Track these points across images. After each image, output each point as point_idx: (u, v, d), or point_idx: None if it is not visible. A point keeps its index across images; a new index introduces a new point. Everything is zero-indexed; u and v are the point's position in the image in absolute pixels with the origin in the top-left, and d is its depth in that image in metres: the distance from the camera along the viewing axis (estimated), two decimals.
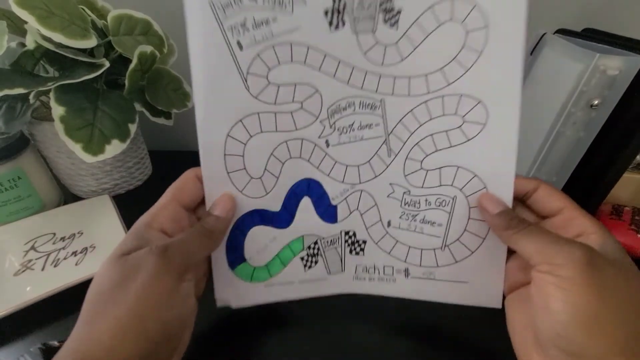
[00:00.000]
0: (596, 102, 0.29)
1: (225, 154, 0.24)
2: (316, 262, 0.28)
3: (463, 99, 0.24)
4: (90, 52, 0.35)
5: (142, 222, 0.23)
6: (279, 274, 0.28)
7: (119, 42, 0.36)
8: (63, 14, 0.32)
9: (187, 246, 0.22)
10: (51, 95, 0.32)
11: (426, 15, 0.22)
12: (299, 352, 0.28)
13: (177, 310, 0.21)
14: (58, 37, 0.31)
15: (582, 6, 0.43)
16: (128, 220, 0.38)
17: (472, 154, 0.24)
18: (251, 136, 0.24)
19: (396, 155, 0.26)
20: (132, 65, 0.34)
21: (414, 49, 0.23)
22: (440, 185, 0.26)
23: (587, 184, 0.34)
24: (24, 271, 0.32)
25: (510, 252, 0.25)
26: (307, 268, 0.28)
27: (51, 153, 0.41)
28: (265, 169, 0.25)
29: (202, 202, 0.25)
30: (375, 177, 0.26)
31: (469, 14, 0.22)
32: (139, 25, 0.37)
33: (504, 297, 0.25)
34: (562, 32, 0.38)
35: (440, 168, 0.25)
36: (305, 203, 0.27)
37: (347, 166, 0.26)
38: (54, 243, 0.35)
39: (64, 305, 0.31)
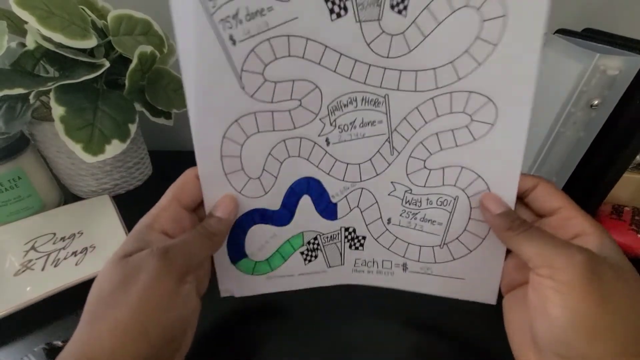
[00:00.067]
0: (596, 102, 0.29)
1: (222, 156, 0.23)
2: (316, 257, 0.28)
3: (473, 96, 0.22)
4: (90, 52, 0.35)
5: (143, 224, 0.23)
6: (280, 267, 0.28)
7: (119, 42, 0.36)
8: (63, 14, 0.32)
9: (189, 248, 0.22)
10: (51, 95, 0.32)
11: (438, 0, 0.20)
12: (299, 351, 0.28)
13: (178, 312, 0.21)
14: (58, 37, 0.31)
15: (582, 6, 0.43)
16: (128, 220, 0.38)
17: (477, 154, 0.23)
18: (248, 137, 0.23)
19: (399, 154, 0.25)
20: (132, 65, 0.34)
21: (424, 39, 0.21)
22: (443, 185, 0.25)
23: (587, 184, 0.34)
24: (24, 271, 0.32)
25: (509, 251, 0.25)
26: (307, 262, 0.28)
27: (51, 153, 0.41)
28: (263, 168, 0.24)
29: (203, 202, 0.25)
30: (377, 175, 0.26)
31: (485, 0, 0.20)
32: (139, 25, 0.37)
33: (501, 296, 0.25)
34: (562, 32, 0.38)
35: (443, 168, 0.24)
36: (305, 201, 0.26)
37: (347, 164, 0.25)
38: (54, 243, 0.35)
39: (64, 305, 0.31)
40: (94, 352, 0.18)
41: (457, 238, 0.26)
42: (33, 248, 0.35)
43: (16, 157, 0.37)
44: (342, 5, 0.20)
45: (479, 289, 0.27)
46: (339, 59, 0.22)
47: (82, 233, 0.37)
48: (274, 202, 0.26)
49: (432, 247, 0.27)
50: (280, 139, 0.24)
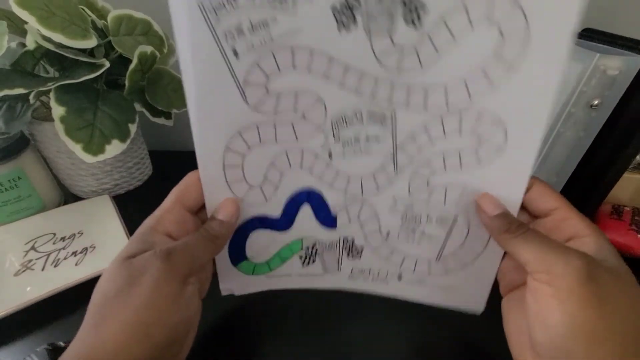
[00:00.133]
0: (596, 102, 0.29)
1: (224, 165, 0.23)
2: (314, 261, 0.29)
3: (483, 118, 0.21)
4: (90, 52, 0.35)
5: (147, 226, 0.23)
6: (279, 268, 0.29)
7: (119, 43, 0.36)
8: (63, 14, 0.32)
9: (192, 250, 0.22)
10: (51, 95, 0.32)
11: (457, 12, 0.18)
12: (299, 351, 0.28)
13: (181, 314, 0.21)
14: (58, 38, 0.31)
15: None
16: (128, 220, 0.38)
17: (482, 178, 0.23)
18: (250, 147, 0.23)
19: (402, 171, 0.24)
20: (132, 66, 0.34)
21: (437, 55, 0.20)
22: (444, 204, 0.25)
23: (587, 184, 0.34)
24: (24, 271, 0.32)
25: (506, 252, 0.25)
26: (304, 265, 0.29)
27: (51, 153, 0.41)
28: (264, 178, 0.24)
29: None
30: (378, 190, 0.25)
31: (509, 16, 0.18)
32: (139, 26, 0.37)
33: (500, 299, 0.25)
34: None
35: (446, 187, 0.24)
36: (305, 210, 0.26)
37: (349, 178, 0.25)
38: (54, 243, 0.35)
39: (64, 305, 0.31)
40: (97, 353, 0.18)
41: (452, 253, 0.26)
42: (33, 248, 0.35)
43: (16, 157, 0.37)
44: (351, 16, 0.19)
45: (468, 299, 0.28)
46: (346, 72, 0.21)
47: (82, 233, 0.37)
48: (274, 209, 0.26)
49: (428, 260, 0.27)
50: (282, 150, 0.23)
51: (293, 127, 0.23)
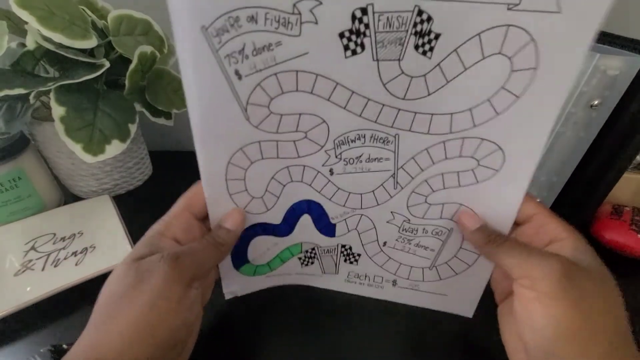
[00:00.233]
0: (596, 102, 0.29)
1: (226, 179, 0.23)
2: (312, 263, 0.30)
3: (484, 143, 0.21)
4: (90, 52, 0.35)
5: (156, 230, 0.24)
6: (279, 268, 0.30)
7: (119, 43, 0.36)
8: (63, 14, 0.32)
9: (198, 255, 0.23)
10: (51, 95, 0.32)
11: (471, 43, 0.18)
12: (298, 352, 0.28)
13: (184, 317, 0.21)
14: (58, 38, 0.31)
15: None
16: (128, 220, 0.38)
17: (477, 195, 0.24)
18: (252, 162, 0.23)
19: (402, 189, 0.25)
20: (132, 66, 0.34)
21: (446, 84, 0.19)
22: (440, 218, 0.25)
23: (587, 184, 0.34)
24: (24, 271, 0.32)
25: None
26: (303, 265, 0.30)
27: (51, 153, 0.41)
28: (266, 190, 0.25)
29: None
30: (378, 205, 0.26)
31: (522, 48, 0.18)
32: (139, 26, 0.37)
33: (495, 307, 0.26)
34: None
35: (443, 204, 0.25)
36: (305, 218, 0.27)
37: (349, 193, 0.25)
38: (54, 243, 0.35)
39: (64, 305, 0.31)
40: (102, 351, 0.18)
41: (446, 262, 0.27)
42: (33, 248, 0.35)
43: (16, 157, 0.37)
44: (359, 42, 0.18)
45: (459, 304, 0.29)
46: (350, 97, 0.20)
47: (82, 233, 0.37)
48: (275, 217, 0.27)
49: (422, 268, 0.28)
50: (283, 165, 0.24)
51: (295, 145, 0.23)
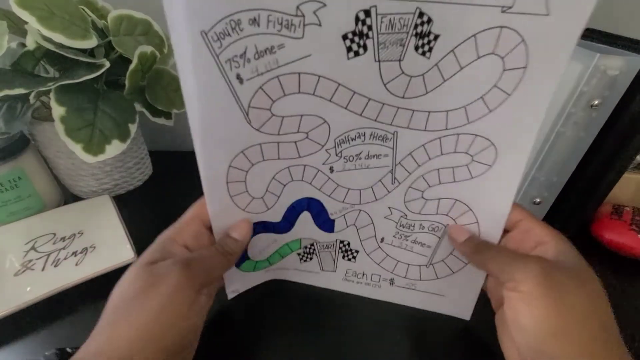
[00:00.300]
0: (596, 102, 0.29)
1: (227, 182, 0.23)
2: (311, 259, 0.30)
3: (478, 139, 0.22)
4: (90, 52, 0.35)
5: (167, 236, 0.24)
6: (278, 263, 0.30)
7: (119, 43, 0.36)
8: (63, 14, 0.32)
9: (207, 263, 0.23)
10: (51, 95, 0.32)
11: (467, 44, 0.19)
12: (297, 353, 0.28)
13: (193, 322, 0.22)
14: (58, 38, 0.31)
15: None
16: (128, 220, 0.38)
17: (472, 191, 0.24)
18: (253, 164, 0.23)
19: (399, 184, 0.25)
20: (132, 66, 0.34)
21: (442, 82, 0.20)
22: (437, 214, 0.26)
23: (587, 184, 0.34)
24: (24, 271, 0.32)
25: None
26: (302, 261, 0.31)
27: (51, 153, 0.41)
28: (267, 190, 0.25)
29: None
30: (376, 200, 0.27)
31: (513, 49, 0.19)
32: (139, 26, 0.37)
33: (493, 313, 0.26)
34: None
35: (439, 199, 0.26)
36: (305, 215, 0.28)
37: (349, 189, 0.26)
38: (54, 243, 0.35)
39: (64, 305, 0.31)
40: (111, 351, 0.19)
41: (442, 260, 0.28)
42: (33, 248, 0.35)
43: (16, 157, 0.37)
44: (361, 43, 0.19)
45: (456, 305, 0.29)
46: (352, 97, 0.21)
47: (82, 233, 0.37)
48: (275, 215, 0.27)
49: (419, 266, 0.29)
50: (284, 166, 0.24)
51: (296, 146, 0.23)
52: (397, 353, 0.28)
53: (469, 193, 0.25)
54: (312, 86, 0.20)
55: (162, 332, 0.20)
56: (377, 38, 0.19)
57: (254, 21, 0.17)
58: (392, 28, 0.18)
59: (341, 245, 0.29)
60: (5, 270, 0.32)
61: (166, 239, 0.24)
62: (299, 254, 0.30)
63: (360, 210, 0.27)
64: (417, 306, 0.30)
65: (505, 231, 0.25)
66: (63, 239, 0.36)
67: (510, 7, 0.18)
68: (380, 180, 0.26)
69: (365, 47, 0.19)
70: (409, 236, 0.28)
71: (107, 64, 0.33)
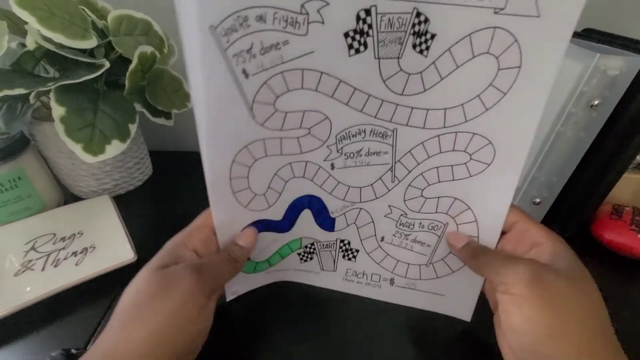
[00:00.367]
0: (596, 102, 0.29)
1: (230, 178, 0.23)
2: (311, 258, 0.30)
3: (475, 137, 0.23)
4: (90, 52, 0.35)
5: (177, 241, 0.25)
6: (278, 264, 0.30)
7: (119, 43, 0.36)
8: (63, 14, 0.32)
9: (217, 268, 0.24)
10: (51, 95, 0.32)
11: (462, 43, 0.20)
12: (297, 352, 0.28)
13: (203, 326, 0.23)
14: (58, 38, 0.31)
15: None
16: (128, 220, 0.38)
17: (471, 189, 0.25)
18: (256, 160, 0.24)
19: (399, 182, 0.26)
20: (132, 66, 0.34)
21: (440, 81, 0.21)
22: (436, 212, 0.26)
23: (587, 184, 0.34)
24: (24, 271, 0.32)
25: None
26: (302, 261, 0.30)
27: (51, 153, 0.41)
28: (269, 186, 0.25)
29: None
30: (376, 198, 0.27)
31: (507, 48, 0.19)
32: (139, 26, 0.37)
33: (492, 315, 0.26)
34: None
35: (439, 197, 0.26)
36: (306, 213, 0.28)
37: (349, 187, 0.26)
38: (54, 243, 0.35)
39: (64, 306, 0.31)
40: (122, 354, 0.19)
41: (442, 259, 0.28)
42: (33, 248, 0.35)
43: (16, 157, 0.37)
44: (362, 41, 0.19)
45: (457, 305, 0.29)
46: (353, 93, 0.21)
47: (82, 233, 0.37)
48: (276, 213, 0.27)
49: (419, 265, 0.29)
50: (286, 162, 0.25)
51: (298, 142, 0.24)
52: (398, 353, 0.28)
53: (468, 191, 0.25)
54: (314, 82, 0.21)
55: (173, 335, 0.20)
56: (377, 36, 0.19)
57: (261, 18, 0.18)
58: (391, 27, 0.19)
59: (341, 244, 0.29)
60: (5, 270, 0.32)
61: (176, 244, 0.25)
62: (299, 254, 0.30)
63: (361, 208, 0.27)
64: (418, 306, 0.30)
65: (502, 233, 0.25)
66: (63, 239, 0.36)
67: (502, 9, 0.18)
68: (380, 178, 0.26)
69: (365, 45, 0.20)
70: (408, 235, 0.28)
71: (107, 64, 0.33)
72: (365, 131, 0.24)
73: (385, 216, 0.27)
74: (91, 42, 0.33)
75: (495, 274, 0.22)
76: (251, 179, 0.24)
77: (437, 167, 0.25)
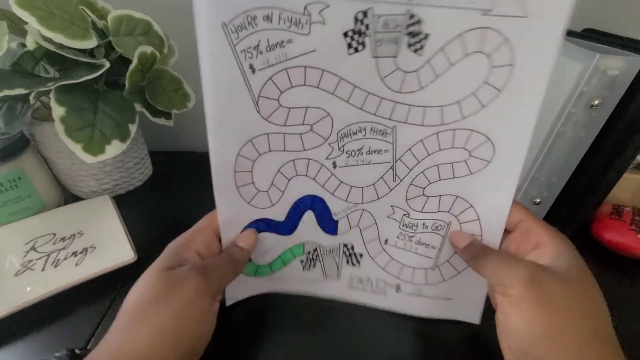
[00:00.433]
0: (596, 102, 0.29)
1: (235, 171, 0.25)
2: (314, 266, 0.30)
3: (474, 134, 0.23)
4: (90, 52, 0.35)
5: (181, 243, 0.25)
6: (280, 270, 0.30)
7: (119, 43, 0.36)
8: (63, 14, 0.32)
9: (220, 270, 0.24)
10: (51, 95, 0.32)
11: (454, 43, 0.21)
12: (297, 352, 0.28)
13: (208, 327, 0.23)
14: (58, 38, 0.31)
15: (582, 6, 0.42)
16: (128, 220, 0.38)
17: (472, 187, 0.25)
18: (260, 154, 0.25)
19: (401, 181, 0.26)
20: (132, 66, 0.34)
21: (435, 79, 0.22)
22: (438, 212, 0.26)
23: (587, 184, 0.34)
24: (24, 271, 0.32)
25: None
26: (305, 269, 0.30)
27: (51, 153, 0.41)
28: (272, 183, 0.26)
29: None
30: (378, 198, 0.27)
31: (497, 48, 0.20)
32: (139, 26, 0.37)
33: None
34: None
35: (440, 196, 0.26)
36: (308, 216, 0.28)
37: (351, 187, 0.26)
38: (54, 243, 0.35)
39: (64, 306, 0.31)
40: (128, 354, 0.19)
41: (447, 260, 0.28)
42: (33, 248, 0.35)
43: (16, 157, 0.37)
44: (360, 41, 0.21)
45: (465, 308, 0.29)
46: (353, 91, 0.22)
47: (82, 233, 0.37)
48: (279, 213, 0.27)
49: (425, 269, 0.28)
50: (289, 158, 0.25)
51: (301, 138, 0.24)
52: (398, 354, 0.28)
53: (469, 189, 0.25)
54: (316, 79, 0.22)
55: (179, 336, 0.20)
56: (374, 36, 0.20)
57: (268, 17, 0.20)
58: (387, 27, 0.20)
59: (345, 249, 0.29)
60: (5, 270, 0.32)
61: (180, 245, 0.25)
62: (301, 261, 0.30)
63: (363, 210, 0.27)
64: (425, 315, 0.29)
65: (507, 232, 0.25)
66: (63, 239, 0.36)
67: (489, 10, 0.19)
68: (382, 177, 0.26)
69: (363, 44, 0.21)
70: (412, 236, 0.27)
71: (107, 64, 0.33)
72: (365, 129, 0.24)
73: (388, 217, 0.27)
74: (91, 42, 0.33)
75: (495, 275, 0.22)
76: (255, 173, 0.25)
77: (438, 165, 0.25)
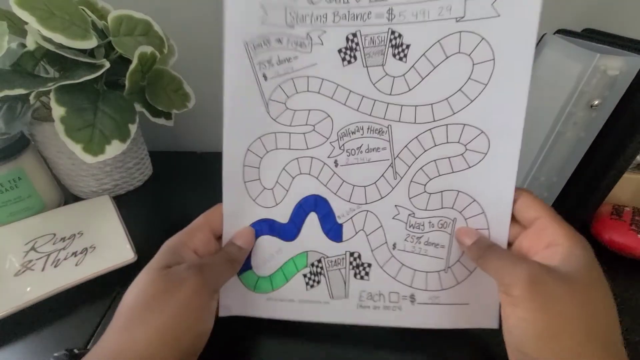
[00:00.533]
0: (596, 102, 0.29)
1: (244, 165, 0.27)
2: (318, 282, 0.28)
3: (466, 128, 0.25)
4: (90, 52, 0.35)
5: (178, 241, 0.25)
6: (281, 288, 0.28)
7: (119, 43, 0.36)
8: (63, 14, 0.32)
9: (217, 268, 0.24)
10: (51, 95, 0.32)
11: (434, 48, 0.23)
12: (297, 353, 0.28)
13: (206, 326, 0.23)
14: (58, 38, 0.31)
15: (582, 6, 0.43)
16: (128, 220, 0.38)
17: (472, 180, 0.25)
18: (267, 151, 0.27)
19: (401, 178, 0.27)
20: (132, 66, 0.34)
21: (421, 80, 0.24)
22: (442, 208, 0.27)
23: (587, 184, 0.34)
24: (24, 272, 0.32)
25: None
26: (309, 287, 0.28)
27: (51, 153, 0.41)
28: (277, 181, 0.27)
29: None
30: (381, 198, 0.27)
31: (476, 47, 0.23)
32: (139, 26, 0.37)
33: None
34: (562, 32, 0.38)
35: (442, 192, 0.26)
36: (312, 219, 0.28)
37: (354, 186, 0.27)
38: (54, 243, 0.35)
39: (64, 306, 0.31)
40: (127, 353, 0.19)
41: (458, 260, 0.27)
42: (33, 248, 0.35)
43: (16, 157, 0.37)
44: (352, 55, 0.25)
45: (482, 312, 0.27)
46: (349, 95, 0.26)
47: (82, 233, 0.37)
48: (283, 214, 0.28)
49: (438, 272, 0.27)
50: (294, 157, 0.27)
51: (305, 137, 0.27)
52: (399, 354, 0.28)
53: (470, 183, 0.26)
54: (317, 86, 0.26)
55: (178, 335, 0.20)
56: (364, 50, 0.25)
57: (279, 40, 0.25)
58: (373, 43, 0.24)
59: (351, 259, 0.28)
60: (5, 270, 0.32)
61: (177, 243, 0.25)
62: (305, 276, 0.28)
63: (368, 211, 0.27)
64: (443, 326, 0.27)
65: (524, 228, 0.24)
66: (63, 239, 0.36)
67: (462, 17, 0.23)
68: (382, 175, 0.27)
69: (355, 57, 0.25)
70: (420, 237, 0.27)
71: (107, 64, 0.33)
72: (363, 128, 0.26)
73: (393, 218, 0.27)
74: (91, 42, 0.33)
75: (498, 274, 0.22)
76: (261, 169, 0.27)
77: (435, 160, 0.26)
